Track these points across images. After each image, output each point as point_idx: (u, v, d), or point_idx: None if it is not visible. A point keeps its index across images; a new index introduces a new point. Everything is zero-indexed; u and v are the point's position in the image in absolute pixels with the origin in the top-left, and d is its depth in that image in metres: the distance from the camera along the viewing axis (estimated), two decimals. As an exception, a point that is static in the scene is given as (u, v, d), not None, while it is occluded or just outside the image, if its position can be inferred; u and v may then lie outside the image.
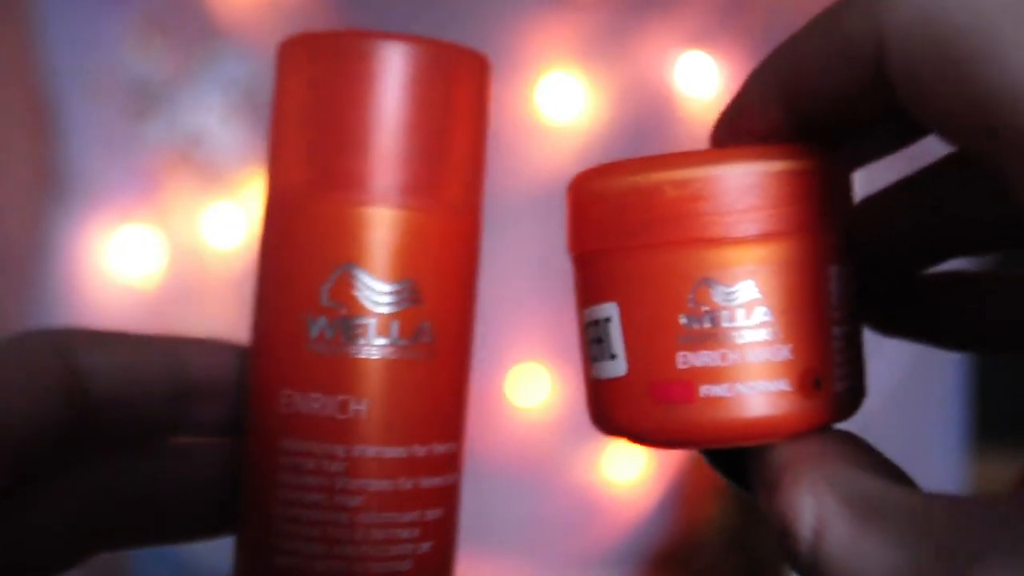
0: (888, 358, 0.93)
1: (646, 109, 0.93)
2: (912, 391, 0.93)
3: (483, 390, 0.94)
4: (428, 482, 0.32)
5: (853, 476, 0.23)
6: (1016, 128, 0.19)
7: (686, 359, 0.25)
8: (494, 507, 0.96)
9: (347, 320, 0.30)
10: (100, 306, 0.88)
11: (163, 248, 0.89)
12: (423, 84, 0.31)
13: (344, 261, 0.30)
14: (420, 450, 0.31)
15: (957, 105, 0.21)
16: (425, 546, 0.32)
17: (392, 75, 0.30)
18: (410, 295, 0.31)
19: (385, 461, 0.31)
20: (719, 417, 0.25)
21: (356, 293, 0.30)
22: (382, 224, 0.30)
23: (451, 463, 0.33)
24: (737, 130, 0.27)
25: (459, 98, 0.32)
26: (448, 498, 0.33)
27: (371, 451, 0.31)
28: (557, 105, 0.93)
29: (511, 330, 0.91)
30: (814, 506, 0.23)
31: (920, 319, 0.30)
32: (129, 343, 0.32)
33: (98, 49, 0.85)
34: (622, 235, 0.26)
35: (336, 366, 0.31)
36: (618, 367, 0.26)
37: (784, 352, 0.25)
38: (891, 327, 0.31)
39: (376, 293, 0.31)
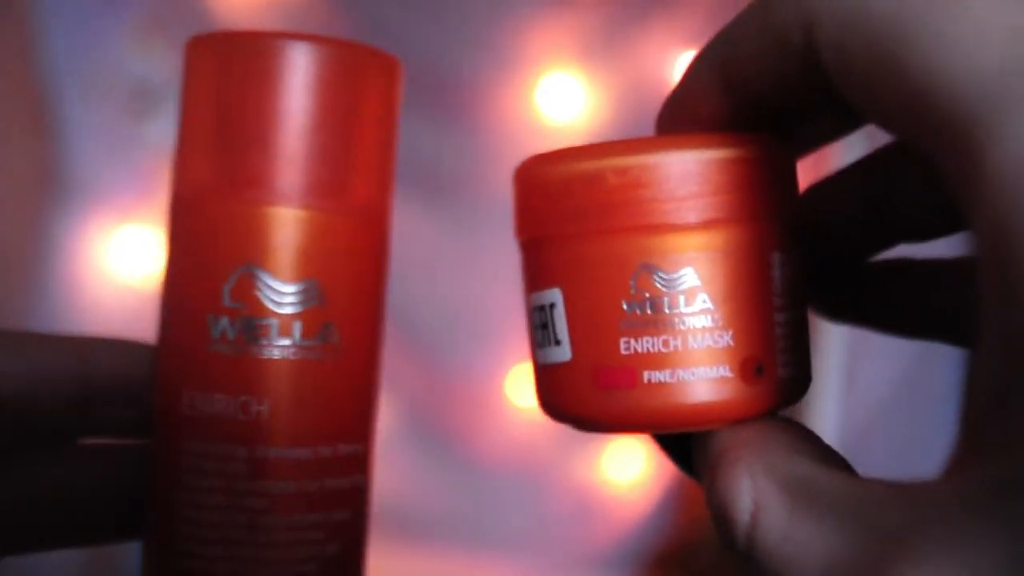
0: (888, 357, 0.93)
1: (646, 109, 0.93)
2: (912, 390, 0.93)
3: (483, 390, 0.94)
4: (334, 483, 0.31)
5: (791, 461, 0.23)
6: (940, 117, 0.19)
7: (629, 345, 0.25)
8: (494, 507, 0.96)
9: (249, 320, 0.30)
10: (100, 306, 0.88)
11: (163, 248, 0.89)
12: (329, 85, 0.31)
13: (245, 261, 0.30)
14: (325, 451, 0.31)
15: (883, 93, 0.21)
16: (331, 548, 0.31)
17: (296, 75, 0.30)
18: (313, 295, 0.31)
19: (289, 462, 0.31)
20: (662, 403, 0.25)
21: (258, 293, 0.30)
22: (284, 224, 0.30)
23: (358, 464, 0.32)
24: (681, 117, 0.27)
25: (367, 100, 0.32)
26: (355, 499, 0.32)
27: (274, 452, 0.30)
28: (557, 105, 0.93)
29: (511, 330, 0.91)
30: (751, 490, 0.23)
31: (867, 306, 0.30)
32: (32, 344, 0.32)
33: (98, 49, 0.86)
34: (566, 221, 0.26)
35: (237, 366, 0.30)
36: (563, 353, 0.26)
37: (725, 339, 0.25)
38: (839, 313, 0.31)
39: (278, 293, 0.30)
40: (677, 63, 0.93)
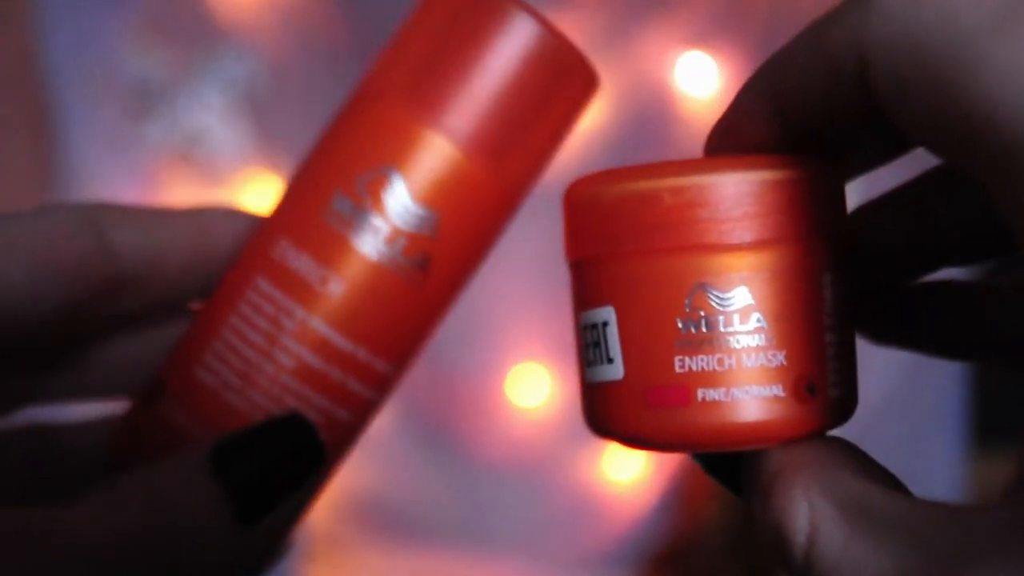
0: (888, 359, 0.93)
1: (646, 109, 0.93)
2: (912, 392, 0.93)
3: (483, 390, 0.94)
4: (354, 386, 0.33)
5: (846, 482, 0.23)
6: (995, 143, 0.19)
7: (683, 363, 0.25)
8: (494, 507, 0.96)
9: (366, 213, 0.33)
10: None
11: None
12: (534, 64, 0.33)
13: (390, 163, 0.32)
14: (363, 355, 0.33)
15: (938, 121, 0.21)
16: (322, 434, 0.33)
17: (510, 44, 0.33)
18: (430, 225, 0.33)
19: (330, 345, 0.33)
20: (715, 421, 0.25)
21: (385, 196, 0.32)
22: (439, 154, 0.33)
23: (382, 384, 0.34)
24: (731, 140, 0.27)
25: (559, 93, 0.34)
26: (362, 410, 0.34)
27: (324, 329, 0.33)
28: (557, 105, 0.93)
29: (511, 330, 0.91)
30: (807, 511, 0.23)
31: (912, 328, 0.30)
32: (158, 220, 0.34)
33: (98, 49, 0.85)
34: (619, 241, 0.26)
35: (337, 244, 0.33)
36: (615, 371, 0.26)
37: (779, 358, 0.25)
38: (884, 336, 0.31)
39: (402, 205, 0.33)
40: (677, 63, 0.93)
